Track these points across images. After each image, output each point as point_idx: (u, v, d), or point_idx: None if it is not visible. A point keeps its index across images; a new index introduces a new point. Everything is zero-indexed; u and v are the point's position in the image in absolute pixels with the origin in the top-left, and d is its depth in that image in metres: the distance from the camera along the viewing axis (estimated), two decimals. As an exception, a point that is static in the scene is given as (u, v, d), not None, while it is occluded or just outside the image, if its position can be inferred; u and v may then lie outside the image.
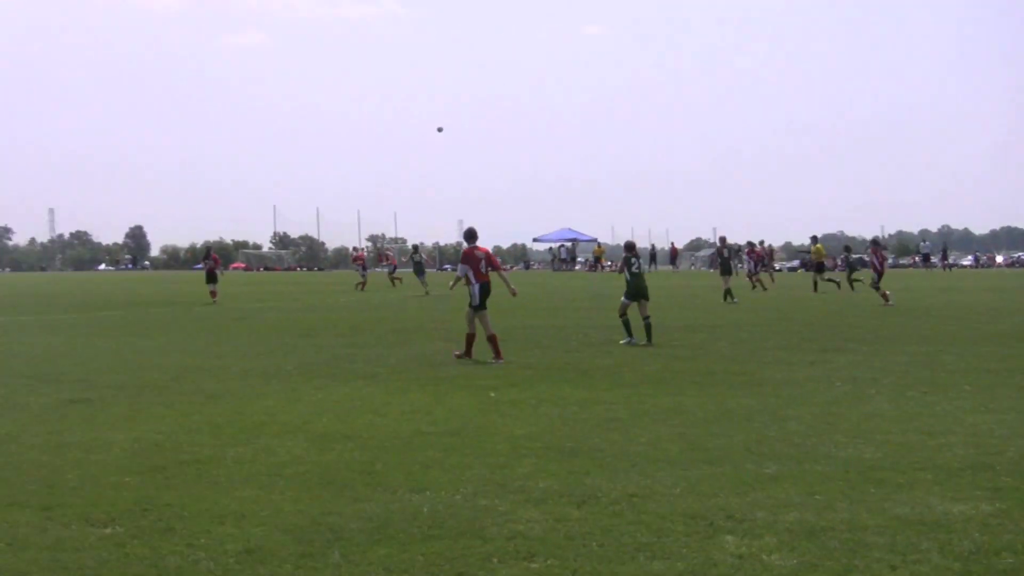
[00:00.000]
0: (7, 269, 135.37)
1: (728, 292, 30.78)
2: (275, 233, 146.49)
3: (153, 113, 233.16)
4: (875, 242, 30.82)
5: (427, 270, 43.17)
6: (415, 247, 45.30)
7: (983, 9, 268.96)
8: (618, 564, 5.54)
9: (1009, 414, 10.05)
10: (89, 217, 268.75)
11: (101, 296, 41.00)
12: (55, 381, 13.12)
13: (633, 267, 17.84)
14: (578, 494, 6.96)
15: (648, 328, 17.45)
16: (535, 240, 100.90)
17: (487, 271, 15.77)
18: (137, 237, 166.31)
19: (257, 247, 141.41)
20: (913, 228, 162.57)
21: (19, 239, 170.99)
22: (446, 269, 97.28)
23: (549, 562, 5.57)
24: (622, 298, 18.01)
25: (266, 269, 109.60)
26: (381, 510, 6.64)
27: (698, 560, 5.58)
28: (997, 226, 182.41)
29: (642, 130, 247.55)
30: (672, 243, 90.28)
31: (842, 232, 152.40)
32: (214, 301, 33.34)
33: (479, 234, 15.86)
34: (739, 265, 47.69)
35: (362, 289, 42.70)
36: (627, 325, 17.52)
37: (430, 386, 12.48)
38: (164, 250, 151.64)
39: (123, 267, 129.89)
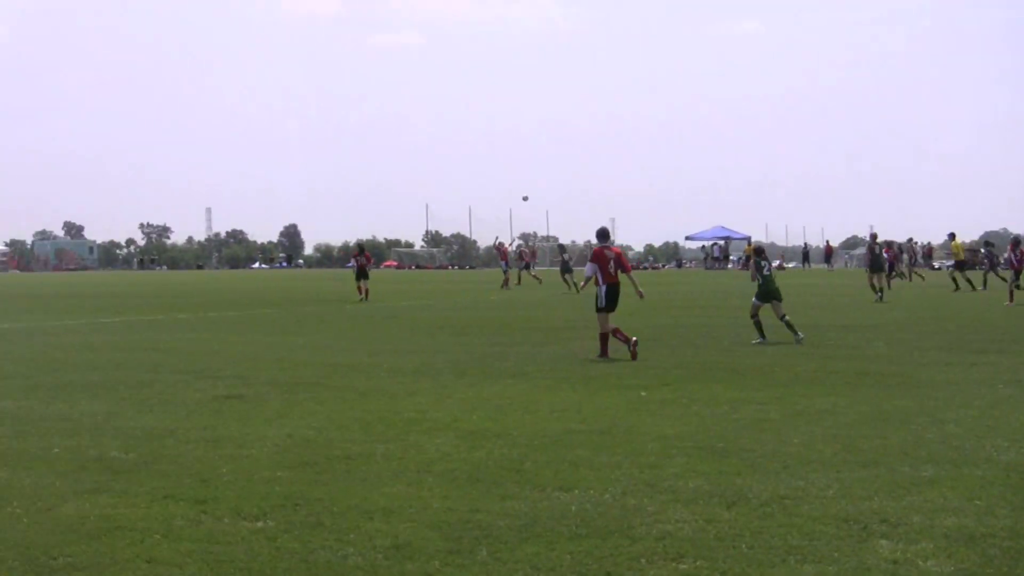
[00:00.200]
0: (164, 267, 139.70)
1: (879, 288, 30.65)
2: (427, 231, 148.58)
3: (305, 115, 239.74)
4: (1017, 241, 31.27)
5: (574, 268, 43.09)
6: (561, 246, 45.45)
7: None
8: (768, 567, 5.50)
9: None
10: (245, 216, 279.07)
11: (256, 294, 42.01)
12: (211, 377, 13.44)
13: (764, 269, 18.15)
14: (728, 495, 6.93)
15: (789, 325, 17.61)
16: (687, 238, 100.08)
17: (616, 272, 15.67)
18: (291, 235, 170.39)
19: (409, 245, 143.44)
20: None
21: (177, 237, 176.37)
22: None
23: (698, 563, 5.57)
24: (753, 299, 18.26)
25: (418, 267, 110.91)
26: (529, 508, 6.69)
27: (850, 564, 5.50)
28: None
29: (796, 127, 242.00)
30: (827, 241, 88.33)
31: (1005, 230, 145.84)
32: (360, 298, 32.68)
33: (617, 233, 15.88)
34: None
35: (506, 287, 42.67)
36: (759, 326, 17.76)
37: (580, 384, 12.54)
38: (317, 248, 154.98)
39: (277, 265, 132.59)
